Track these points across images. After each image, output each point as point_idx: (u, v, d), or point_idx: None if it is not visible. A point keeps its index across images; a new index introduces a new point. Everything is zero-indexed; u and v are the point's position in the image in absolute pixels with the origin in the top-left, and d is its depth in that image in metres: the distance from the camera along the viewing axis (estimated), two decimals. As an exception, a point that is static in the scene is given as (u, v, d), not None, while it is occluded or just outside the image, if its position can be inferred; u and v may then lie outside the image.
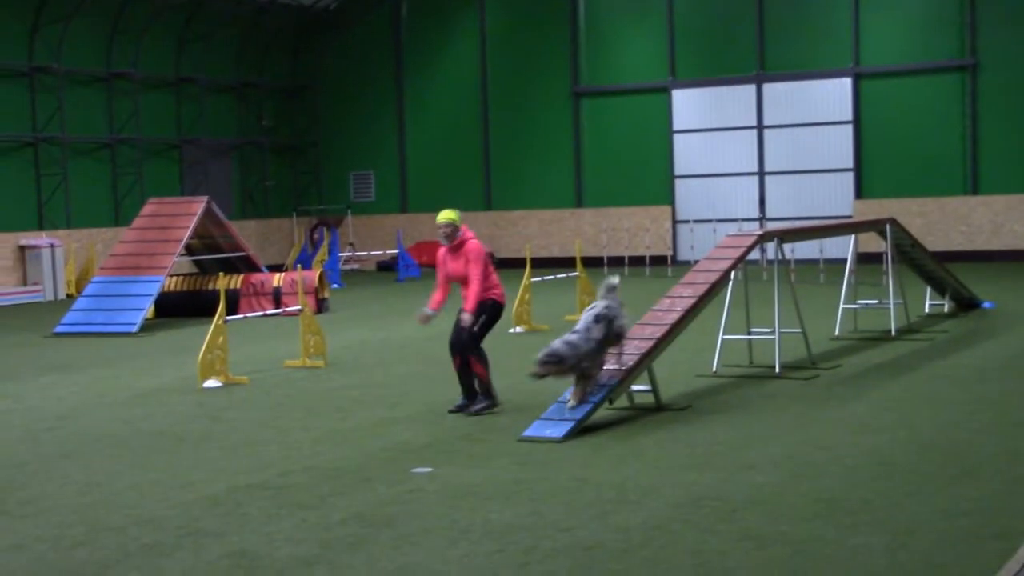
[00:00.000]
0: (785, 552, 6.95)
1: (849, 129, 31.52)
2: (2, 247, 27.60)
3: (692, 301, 12.20)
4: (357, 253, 33.47)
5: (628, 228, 32.42)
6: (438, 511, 8.10)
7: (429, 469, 9.32)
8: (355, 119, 36.39)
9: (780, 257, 13.87)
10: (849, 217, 30.64)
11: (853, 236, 16.84)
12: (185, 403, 12.91)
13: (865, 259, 19.93)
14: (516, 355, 15.91)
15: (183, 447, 10.61)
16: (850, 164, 31.54)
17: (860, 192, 31.48)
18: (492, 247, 34.09)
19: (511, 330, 18.23)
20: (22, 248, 27.87)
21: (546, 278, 21.22)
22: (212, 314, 14.80)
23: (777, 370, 13.36)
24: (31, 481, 9.47)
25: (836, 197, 31.67)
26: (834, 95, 31.63)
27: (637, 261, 30.89)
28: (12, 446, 10.92)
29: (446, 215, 12.48)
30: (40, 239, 28.10)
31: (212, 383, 13.82)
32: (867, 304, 17.04)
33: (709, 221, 31.25)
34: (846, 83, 31.50)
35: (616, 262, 30.66)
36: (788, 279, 13.81)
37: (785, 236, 14.48)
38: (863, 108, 31.45)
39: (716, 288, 12.65)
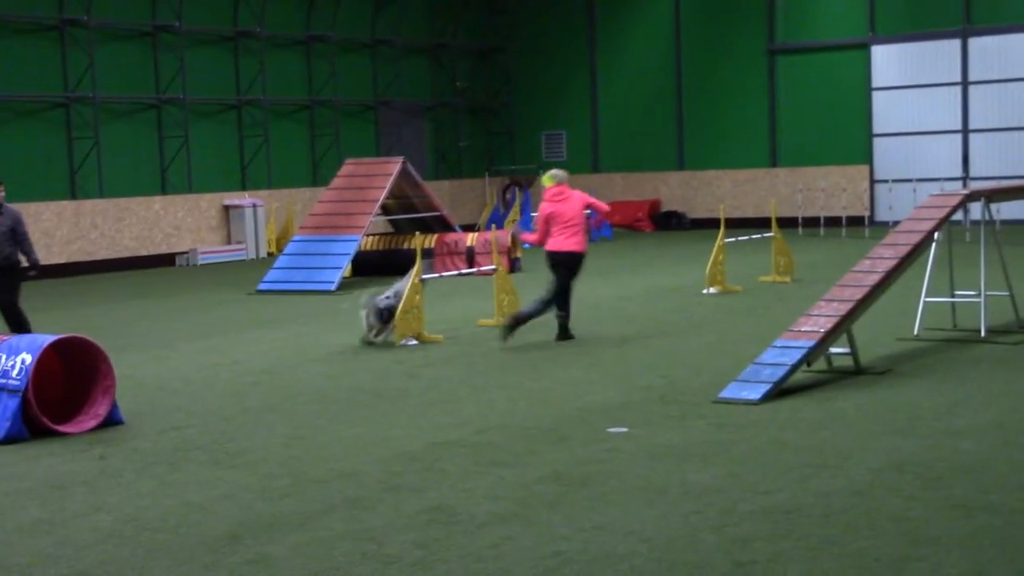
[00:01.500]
0: (995, 522, 6.73)
1: (1061, 84, 30.17)
2: (208, 207, 28.55)
3: (894, 262, 11.87)
4: (549, 213, 33.55)
5: (824, 188, 31.73)
6: (634, 471, 8.09)
7: (625, 429, 9.32)
8: (547, 79, 36.42)
9: (987, 217, 13.38)
10: (1059, 176, 29.35)
11: (1066, 195, 16.11)
12: (382, 360, 13.16)
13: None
14: (714, 316, 15.77)
15: (381, 403, 10.82)
16: (1061, 120, 30.22)
17: (1072, 150, 30.13)
18: (685, 207, 33.79)
19: (705, 290, 18.06)
20: (226, 208, 28.77)
21: (740, 239, 20.93)
22: (408, 273, 15.01)
23: (983, 334, 12.92)
24: (239, 433, 9.80)
25: (1046, 155, 30.40)
26: (1045, 48, 30.32)
27: (833, 222, 30.22)
28: (220, 399, 11.32)
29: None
30: (243, 199, 28.97)
31: (408, 340, 14.05)
32: (1080, 267, 16.33)
33: (909, 181, 30.36)
34: (1058, 35, 30.17)
35: (811, 222, 30.06)
36: (995, 239, 13.31)
37: (993, 195, 13.96)
38: (1076, 62, 30.06)
39: (919, 249, 12.28)
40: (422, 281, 14.42)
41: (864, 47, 32.07)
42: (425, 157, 34.60)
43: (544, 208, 13.99)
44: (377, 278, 22.10)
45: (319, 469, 8.48)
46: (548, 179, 14.21)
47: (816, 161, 32.56)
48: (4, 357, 9.74)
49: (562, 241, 13.93)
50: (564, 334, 14.05)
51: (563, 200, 13.98)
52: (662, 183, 34.46)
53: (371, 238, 23.27)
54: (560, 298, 14.03)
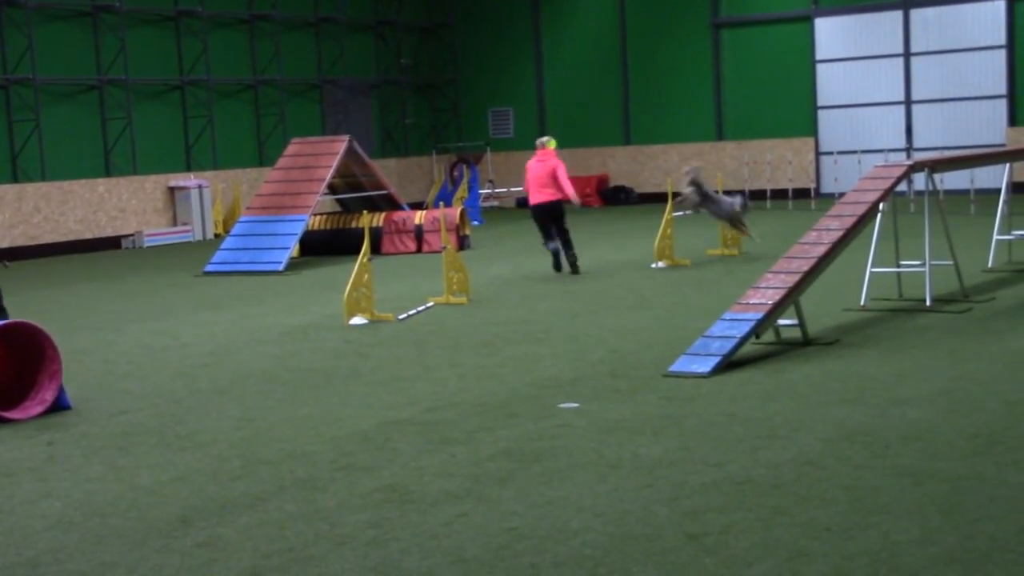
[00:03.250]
0: (942, 489, 6.81)
1: (1002, 54, 30.47)
2: (153, 189, 28.28)
3: (840, 234, 11.96)
4: (497, 190, 33.56)
5: (770, 161, 31.91)
6: (586, 446, 8.11)
7: (575, 405, 9.34)
8: (493, 55, 36.35)
9: (931, 188, 13.51)
10: (1003, 145, 29.68)
11: (1008, 165, 16.31)
12: (332, 340, 13.12)
13: (1020, 189, 19.32)
14: (662, 290, 15.83)
15: (332, 383, 10.79)
16: (1003, 90, 30.53)
17: (1015, 120, 30.46)
18: (632, 182, 33.87)
19: (652, 264, 18.12)
20: (171, 189, 28.52)
21: (687, 212, 21.01)
22: (355, 252, 14.99)
23: (928, 303, 13.06)
24: (188, 416, 9.74)
25: (988, 125, 30.70)
26: (986, 18, 30.58)
27: (779, 194, 30.41)
28: (169, 382, 11.24)
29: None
30: (188, 180, 28.73)
31: (358, 320, 14.01)
32: (1022, 235, 16.53)
33: (854, 152, 30.58)
34: (999, 6, 30.43)
35: (758, 195, 30.23)
36: (939, 210, 13.44)
37: (936, 166, 14.09)
38: (1018, 32, 30.35)
39: (864, 220, 12.38)
40: (370, 260, 14.37)
41: (807, 19, 32.25)
42: (371, 135, 34.47)
43: (528, 166, 17.62)
44: (325, 258, 22.05)
45: (270, 450, 8.45)
46: (540, 143, 17.80)
47: (762, 134, 32.75)
48: (-53, 344, 9.61)
49: (536, 194, 17.39)
50: (574, 269, 17.58)
51: (540, 162, 17.39)
52: (609, 158, 34.54)
53: (318, 217, 23.16)
54: (563, 240, 17.50)
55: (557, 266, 17.68)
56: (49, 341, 10.01)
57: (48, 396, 9.94)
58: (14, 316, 10.82)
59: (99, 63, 27.89)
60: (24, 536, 6.84)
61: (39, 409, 9.86)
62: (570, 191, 17.39)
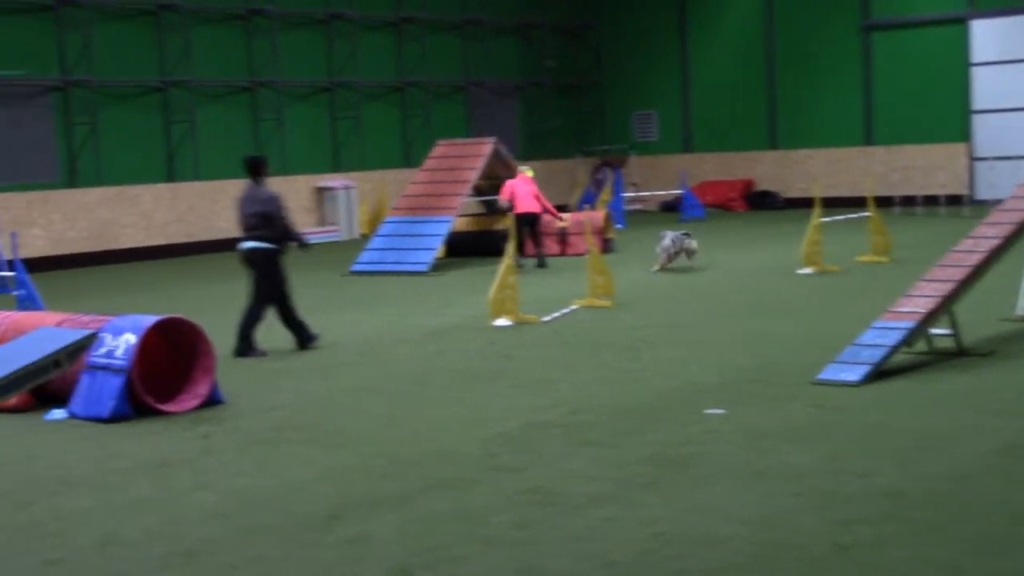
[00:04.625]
0: (1105, 507, 6.60)
1: None
2: (302, 189, 28.83)
3: (997, 242, 11.64)
4: (641, 193, 33.42)
5: (921, 166, 31.21)
6: (733, 453, 8.04)
7: (722, 411, 9.26)
8: (638, 58, 36.22)
9: (1094, 195, 13.04)
10: None
11: None
12: (477, 341, 13.21)
13: None
14: (810, 296, 15.61)
15: (477, 384, 10.87)
16: None
17: None
18: (779, 186, 33.41)
19: (800, 270, 17.87)
20: (319, 190, 29.03)
21: (836, 218, 20.68)
22: (499, 254, 15.05)
23: (1089, 315, 12.64)
24: (336, 413, 9.91)
25: None
26: None
27: (931, 200, 29.73)
28: (317, 380, 11.44)
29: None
30: (336, 181, 29.21)
31: (503, 321, 14.09)
32: None
33: (1011, 159, 29.74)
34: None
35: (909, 201, 29.60)
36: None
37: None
38: None
39: (1022, 228, 12.03)
40: (516, 262, 14.42)
41: (962, 21, 31.46)
42: (515, 137, 34.61)
43: (511, 183, 20.72)
44: (469, 259, 22.20)
45: (416, 449, 8.55)
46: (521, 170, 21.37)
47: (913, 139, 32.03)
48: (110, 337, 9.93)
49: (525, 205, 20.38)
50: (541, 263, 20.39)
51: (524, 183, 20.72)
52: (755, 162, 34.14)
53: (463, 219, 23.31)
54: (537, 241, 20.75)
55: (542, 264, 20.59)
56: (203, 337, 10.26)
57: (203, 390, 10.19)
58: (170, 312, 11.12)
59: (251, 65, 28.52)
60: (180, 526, 7.03)
61: (194, 403, 10.13)
62: (556, 213, 21.77)
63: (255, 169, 13.30)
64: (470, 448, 8.50)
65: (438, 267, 20.99)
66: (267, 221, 12.95)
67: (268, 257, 12.96)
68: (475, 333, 13.72)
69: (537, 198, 20.75)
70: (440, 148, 23.49)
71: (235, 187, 27.33)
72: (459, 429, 9.10)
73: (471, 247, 22.77)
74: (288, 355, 12.85)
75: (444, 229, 21.50)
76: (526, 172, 21.27)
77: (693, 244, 19.51)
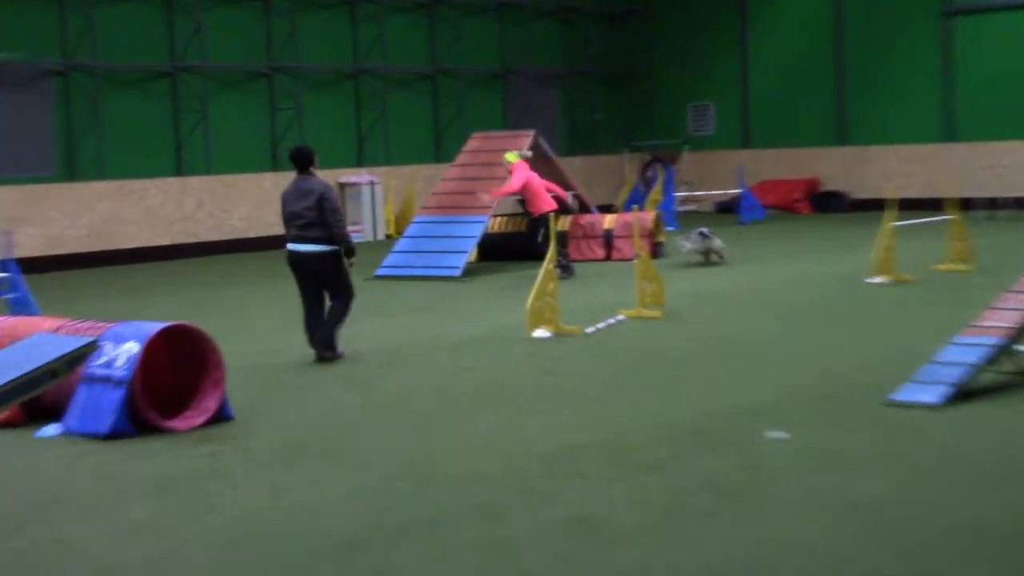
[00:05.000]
0: None
1: None
2: (321, 185, 28.88)
3: (1092, 249, 11.50)
4: (694, 193, 33.33)
5: (1007, 164, 30.96)
6: (796, 481, 7.96)
7: (783, 433, 9.18)
8: (693, 44, 36.15)
9: None
10: None
11: None
12: (513, 353, 13.18)
13: None
14: (882, 307, 15.49)
15: (512, 400, 10.83)
16: None
17: None
18: (847, 186, 33.19)
19: (870, 279, 17.74)
20: (342, 186, 29.10)
21: (911, 222, 20.50)
22: (538, 258, 15.03)
23: None
24: (357, 430, 9.90)
25: None
26: None
27: (1019, 203, 29.46)
28: (338, 393, 11.45)
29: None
30: (360, 176, 29.27)
31: (541, 332, 14.05)
32: None
33: (1107, 157, 29.46)
34: None
35: (993, 203, 29.33)
36: None
37: None
38: None
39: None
40: (556, 267, 14.39)
41: (1055, 5, 31.21)
42: (557, 130, 34.61)
43: (527, 174, 19.81)
44: (505, 263, 22.17)
45: (445, 471, 8.52)
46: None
47: (998, 134, 31.76)
48: (110, 346, 9.95)
49: (544, 200, 19.75)
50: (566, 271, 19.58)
51: (528, 170, 19.96)
52: (821, 160, 33.95)
53: (499, 219, 23.31)
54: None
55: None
56: (212, 346, 10.27)
57: (211, 405, 10.20)
58: (176, 318, 11.13)
59: (269, 51, 28.64)
60: (184, 555, 7.01)
61: (201, 419, 10.13)
62: (563, 193, 20.99)
63: (304, 161, 13.23)
64: (504, 471, 8.45)
65: (471, 271, 20.98)
66: (322, 218, 12.91)
67: (333, 259, 12.99)
68: (511, 345, 13.68)
69: (548, 188, 20.26)
70: (474, 141, 23.50)
71: (249, 182, 27.52)
72: (492, 450, 9.07)
73: (507, 250, 22.76)
74: (306, 367, 12.85)
75: (478, 230, 21.49)
76: (517, 157, 20.38)
77: (717, 243, 19.68)
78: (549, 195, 19.90)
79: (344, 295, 13.15)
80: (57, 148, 25.45)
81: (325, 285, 13.15)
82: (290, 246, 13.09)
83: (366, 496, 8.01)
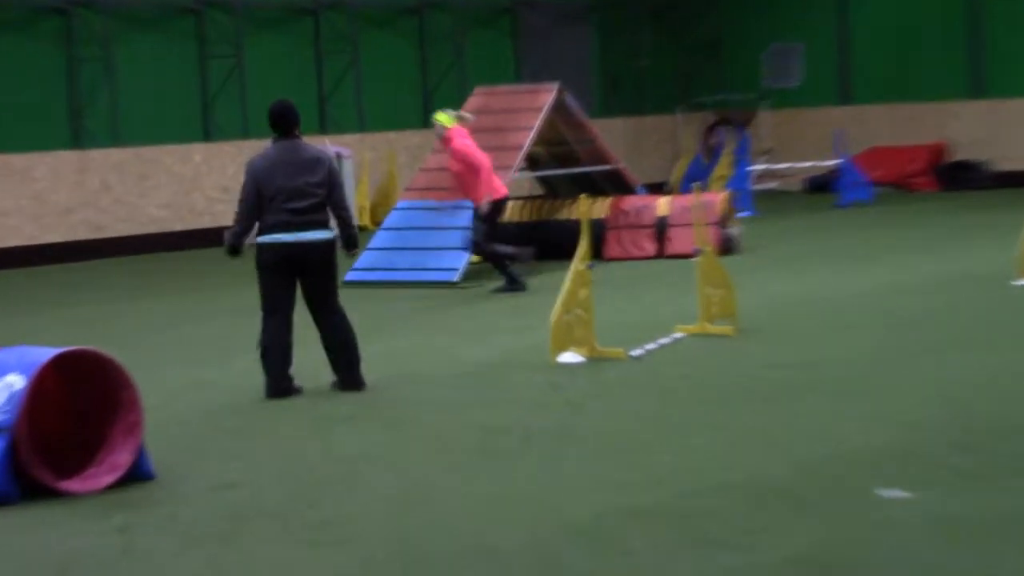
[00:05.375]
0: None
1: None
2: (269, 160, 28.94)
3: None
4: (776, 166, 33.30)
5: None
6: (921, 554, 7.96)
7: (903, 493, 9.17)
8: (772, -35, 36.25)
9: None
10: None
11: None
12: (533, 385, 13.19)
13: None
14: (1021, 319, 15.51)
15: (532, 448, 10.84)
16: None
17: None
18: (986, 154, 33.09)
19: (1016, 281, 17.71)
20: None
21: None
22: (566, 256, 15.02)
23: None
24: (323, 491, 9.90)
25: None
26: None
27: None
28: (296, 442, 11.48)
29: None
30: (323, 146, 29.26)
31: (570, 356, 14.03)
32: None
33: None
34: None
35: None
36: None
37: None
38: None
39: None
40: (590, 268, 14.40)
41: None
42: (588, 83, 34.61)
43: (467, 142, 19.76)
44: (524, 265, 22.10)
45: (445, 546, 8.50)
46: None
47: None
48: (-16, 380, 9.91)
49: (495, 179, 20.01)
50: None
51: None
52: (949, 119, 33.93)
53: (513, 204, 23.28)
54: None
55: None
56: (125, 379, 10.25)
57: (123, 459, 10.17)
58: (71, 341, 11.12)
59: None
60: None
61: (110, 478, 10.10)
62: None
63: (292, 120, 13.21)
64: (519, 544, 8.44)
65: (474, 274, 20.96)
66: (328, 198, 12.99)
67: (333, 251, 13.11)
68: (530, 373, 13.69)
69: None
70: (478, 98, 23.53)
71: (172, 157, 27.51)
72: (504, 515, 9.07)
73: (524, 244, 22.71)
74: (253, 407, 12.86)
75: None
76: (452, 119, 20.02)
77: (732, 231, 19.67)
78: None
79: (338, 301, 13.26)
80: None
81: (324, 289, 13.17)
82: (284, 236, 12.93)
83: (340, 583, 8.02)
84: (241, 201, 13.07)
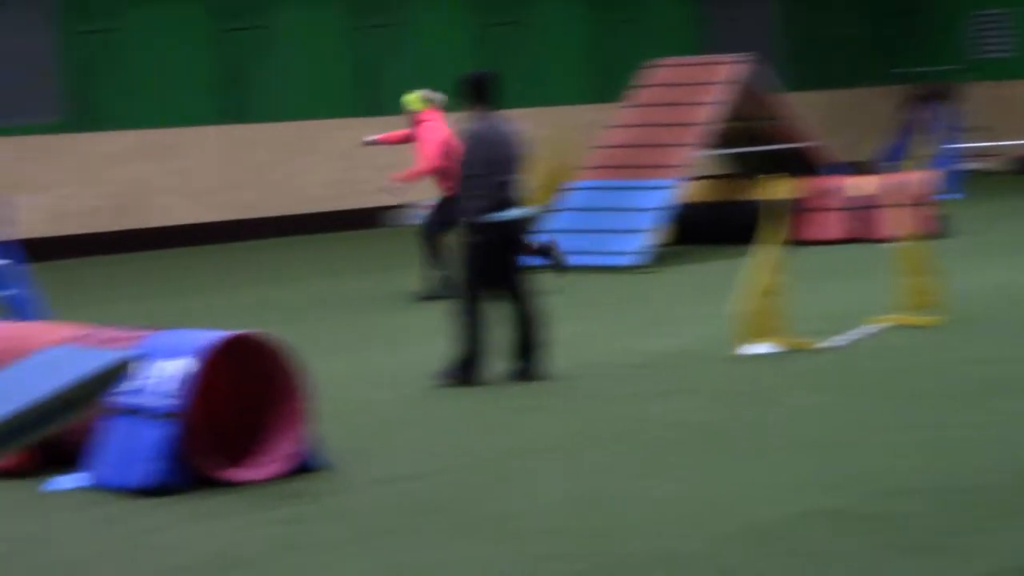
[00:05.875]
0: None
1: None
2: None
3: None
4: (986, 144, 32.86)
5: None
6: None
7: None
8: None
9: None
10: None
11: None
12: (716, 378, 13.23)
13: None
14: None
15: (715, 445, 10.88)
16: None
17: None
18: None
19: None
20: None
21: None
22: (754, 240, 15.00)
23: None
24: (496, 487, 10.00)
25: None
26: None
27: None
28: (470, 436, 11.66)
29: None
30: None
31: (758, 347, 14.05)
32: None
33: None
34: None
35: None
36: None
37: None
38: None
39: None
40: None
41: None
42: (774, 54, 34.42)
43: (438, 132, 18.87)
44: (706, 247, 22.05)
45: (620, 548, 8.54)
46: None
47: None
48: (151, 364, 9.97)
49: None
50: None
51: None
52: None
53: (700, 184, 23.24)
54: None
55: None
56: (293, 365, 10.37)
57: (290, 449, 10.29)
58: (232, 325, 11.18)
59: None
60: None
61: (276, 468, 10.24)
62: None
63: (494, 91, 13.37)
64: (704, 547, 8.47)
65: (657, 258, 20.96)
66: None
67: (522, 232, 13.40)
68: (715, 365, 13.74)
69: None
70: (658, 72, 23.53)
71: (323, 131, 27.74)
72: (687, 517, 9.10)
73: (709, 228, 22.71)
74: (436, 396, 13.05)
75: (663, 199, 21.47)
76: (424, 102, 19.37)
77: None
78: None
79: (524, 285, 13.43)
80: (59, 85, 25.88)
81: (513, 269, 13.30)
82: (498, 216, 13.06)
83: (509, 579, 8.12)
84: (474, 176, 13.15)
